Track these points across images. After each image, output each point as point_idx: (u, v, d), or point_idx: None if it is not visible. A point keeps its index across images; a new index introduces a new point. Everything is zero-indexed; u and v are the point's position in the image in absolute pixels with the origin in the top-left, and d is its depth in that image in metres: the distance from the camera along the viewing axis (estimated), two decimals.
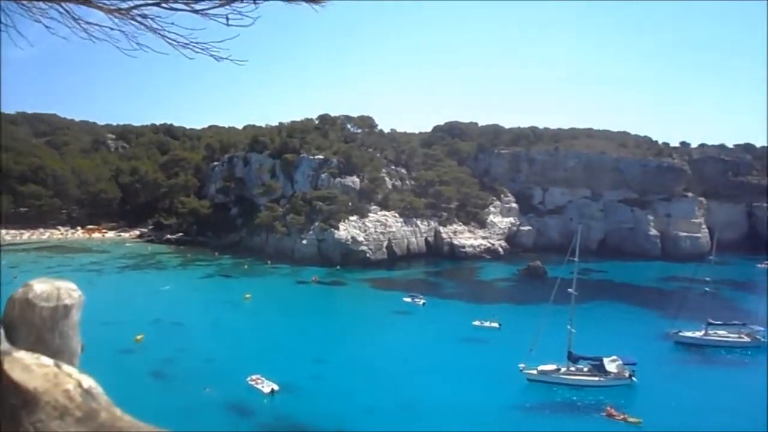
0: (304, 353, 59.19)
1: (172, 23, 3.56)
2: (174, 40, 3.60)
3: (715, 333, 69.82)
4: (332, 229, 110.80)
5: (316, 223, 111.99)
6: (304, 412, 45.66)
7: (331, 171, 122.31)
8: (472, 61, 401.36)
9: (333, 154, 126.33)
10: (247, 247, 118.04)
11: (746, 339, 68.76)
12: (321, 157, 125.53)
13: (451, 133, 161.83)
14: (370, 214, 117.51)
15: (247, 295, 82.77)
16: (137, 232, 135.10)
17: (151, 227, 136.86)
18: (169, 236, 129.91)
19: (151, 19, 3.55)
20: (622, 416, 44.90)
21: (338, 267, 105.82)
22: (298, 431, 43.64)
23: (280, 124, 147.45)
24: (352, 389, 50.33)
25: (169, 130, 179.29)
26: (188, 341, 61.52)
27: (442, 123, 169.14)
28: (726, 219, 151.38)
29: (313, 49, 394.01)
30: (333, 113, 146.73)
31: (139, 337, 61.28)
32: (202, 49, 3.76)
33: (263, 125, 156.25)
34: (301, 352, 59.52)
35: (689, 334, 69.39)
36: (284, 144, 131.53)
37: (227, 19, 3.41)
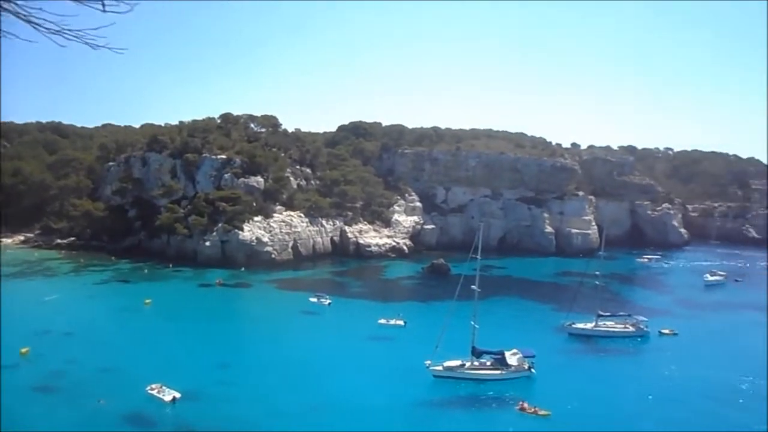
0: (209, 358, 57.39)
1: (41, 8, 3.20)
2: (43, 26, 3.24)
3: (605, 324, 74.16)
4: (236, 230, 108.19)
5: (220, 225, 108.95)
6: (208, 418, 44.23)
7: (235, 171, 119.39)
8: (376, 62, 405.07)
9: (236, 154, 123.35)
10: (146, 251, 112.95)
11: (631, 329, 73.48)
12: (224, 156, 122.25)
13: (355, 132, 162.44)
14: (275, 215, 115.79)
15: (147, 301, 79.18)
16: (21, 238, 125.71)
17: (38, 232, 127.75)
18: (59, 241, 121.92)
19: (16, 3, 3.17)
20: (533, 410, 46.65)
21: (243, 269, 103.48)
22: None
23: (181, 123, 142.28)
24: (260, 393, 49.36)
25: (57, 129, 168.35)
26: (81, 352, 57.99)
27: (346, 123, 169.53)
28: (612, 216, 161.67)
29: (215, 48, 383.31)
30: (236, 112, 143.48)
31: (24, 350, 57.02)
32: (75, 36, 3.41)
33: (162, 124, 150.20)
34: (205, 358, 57.66)
35: (581, 325, 73.34)
36: (185, 143, 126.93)
37: (103, 4, 3.11)
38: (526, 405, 46.92)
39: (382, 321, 73.86)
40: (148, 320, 71.71)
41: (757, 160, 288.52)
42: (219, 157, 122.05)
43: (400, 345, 65.42)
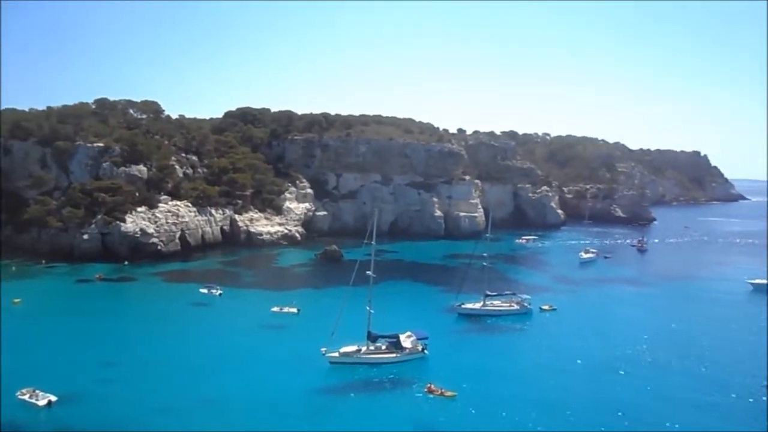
0: (90, 357, 54.24)
1: None
2: None
3: (492, 303, 77.81)
4: (118, 222, 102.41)
5: (99, 216, 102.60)
6: (89, 420, 41.87)
7: (114, 160, 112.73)
8: (263, 48, 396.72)
9: (115, 142, 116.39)
10: (14, 247, 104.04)
11: (516, 307, 77.59)
12: (101, 144, 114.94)
13: (243, 119, 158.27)
14: (161, 205, 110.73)
15: (16, 300, 73.24)
16: None
17: None
18: None
19: None
20: (440, 391, 47.96)
21: (126, 262, 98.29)
22: None
23: (49, 108, 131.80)
24: (147, 389, 47.44)
25: None
26: None
27: (233, 109, 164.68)
28: (497, 199, 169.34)
29: (88, 28, 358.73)
30: (112, 97, 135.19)
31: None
32: None
33: (27, 109, 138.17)
34: (85, 357, 54.41)
35: (470, 305, 76.52)
36: (54, 130, 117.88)
37: None
38: (433, 387, 48.24)
39: (275, 309, 73.20)
40: (18, 321, 66.10)
41: (622, 145, 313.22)
42: (95, 145, 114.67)
43: (294, 333, 65.24)
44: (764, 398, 48.96)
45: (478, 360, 57.74)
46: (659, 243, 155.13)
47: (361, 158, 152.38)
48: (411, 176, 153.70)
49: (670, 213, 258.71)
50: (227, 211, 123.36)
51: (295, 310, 73.29)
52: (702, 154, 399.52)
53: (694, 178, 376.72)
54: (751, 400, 49.23)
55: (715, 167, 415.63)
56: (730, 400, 49.40)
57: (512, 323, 73.14)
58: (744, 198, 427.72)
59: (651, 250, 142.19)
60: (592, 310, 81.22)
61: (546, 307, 78.89)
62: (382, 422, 43.30)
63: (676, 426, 43.57)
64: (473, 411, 44.50)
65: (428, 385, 48.56)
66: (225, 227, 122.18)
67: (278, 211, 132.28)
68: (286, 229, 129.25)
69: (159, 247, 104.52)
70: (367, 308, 57.42)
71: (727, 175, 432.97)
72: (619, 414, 45.06)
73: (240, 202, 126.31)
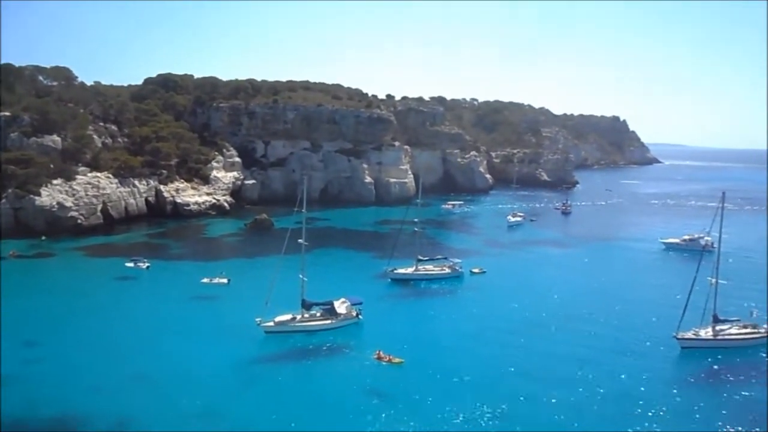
0: (10, 338, 51.37)
1: None
2: None
3: (424, 268, 78.84)
4: (32, 196, 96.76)
5: (10, 190, 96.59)
6: (15, 403, 39.80)
7: (24, 130, 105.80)
8: (184, 11, 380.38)
9: (23, 111, 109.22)
10: None
11: (448, 270, 78.92)
12: (7, 114, 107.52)
13: (164, 86, 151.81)
14: (79, 176, 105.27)
15: None
16: None
17: None
18: None
19: None
20: (388, 358, 48.07)
21: (44, 237, 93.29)
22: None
23: None
24: (75, 368, 45.49)
25: None
26: None
27: (153, 75, 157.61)
28: (427, 165, 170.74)
29: None
30: (18, 63, 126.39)
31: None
32: None
33: None
34: (5, 338, 51.46)
35: (402, 270, 77.29)
36: None
37: None
38: (382, 353, 48.37)
39: (205, 280, 71.67)
40: None
41: (547, 110, 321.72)
42: (1, 114, 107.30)
43: (226, 303, 64.14)
44: (676, 347, 52.14)
45: (414, 324, 58.67)
46: (582, 206, 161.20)
47: (289, 125, 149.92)
48: (340, 143, 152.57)
49: (592, 176, 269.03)
50: (151, 181, 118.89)
51: (225, 280, 71.98)
52: (621, 119, 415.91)
53: (613, 142, 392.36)
54: (662, 348, 52.42)
55: (633, 132, 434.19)
56: (644, 347, 52.42)
57: (444, 287, 74.52)
58: (658, 161, 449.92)
59: (575, 212, 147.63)
60: (520, 272, 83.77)
61: (476, 270, 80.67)
62: (333, 389, 43.29)
63: (603, 368, 45.96)
64: (421, 376, 44.91)
65: (377, 351, 48.76)
66: (150, 198, 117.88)
67: (205, 180, 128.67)
68: (214, 198, 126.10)
69: (79, 221, 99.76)
70: (300, 276, 56.98)
71: (643, 139, 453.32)
72: (555, 372, 46.75)
73: (165, 172, 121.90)
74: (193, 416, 38.53)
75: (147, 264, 78.39)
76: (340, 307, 57.64)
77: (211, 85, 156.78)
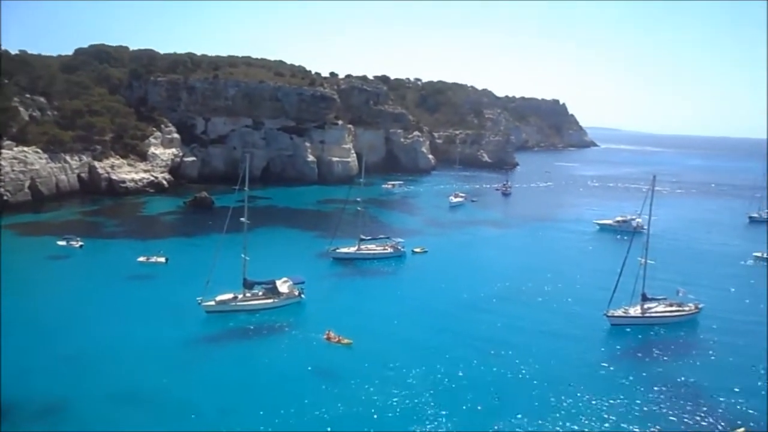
0: None
1: None
2: None
3: (366, 247, 79.18)
4: None
5: None
6: None
7: None
8: None
9: None
10: None
11: (390, 250, 79.49)
12: None
13: (97, 57, 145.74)
14: (4, 151, 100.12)
15: None
16: None
17: None
18: None
19: None
20: (337, 338, 47.97)
21: None
22: None
23: None
24: (3, 351, 43.60)
25: None
26: None
27: (85, 46, 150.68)
28: (369, 144, 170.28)
29: None
30: None
31: None
32: None
33: None
34: None
35: (345, 250, 77.45)
36: None
37: None
38: (332, 334, 48.26)
39: (142, 259, 69.86)
40: None
41: (489, 92, 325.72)
42: None
43: (164, 283, 62.77)
44: (607, 324, 54.42)
45: (357, 304, 58.86)
46: (522, 187, 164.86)
47: (230, 101, 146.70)
48: (283, 120, 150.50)
49: (532, 158, 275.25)
50: (84, 157, 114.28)
51: (163, 259, 70.35)
52: (561, 102, 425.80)
53: (553, 125, 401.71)
54: (593, 325, 54.57)
55: (572, 115, 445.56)
56: (577, 324, 54.48)
57: (386, 266, 75.09)
58: (595, 145, 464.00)
59: (514, 193, 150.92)
60: (460, 252, 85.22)
61: (418, 250, 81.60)
62: (280, 369, 43.03)
63: (538, 344, 47.56)
64: (369, 357, 45.06)
65: (327, 332, 48.71)
66: (83, 175, 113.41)
67: (143, 157, 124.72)
68: (152, 176, 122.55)
69: (5, 198, 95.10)
70: (242, 255, 56.29)
71: (581, 123, 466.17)
72: (492, 352, 47.95)
73: (99, 147, 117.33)
74: (131, 398, 37.78)
75: (80, 242, 75.72)
76: (282, 286, 57.37)
77: (147, 57, 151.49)
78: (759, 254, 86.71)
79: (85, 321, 50.69)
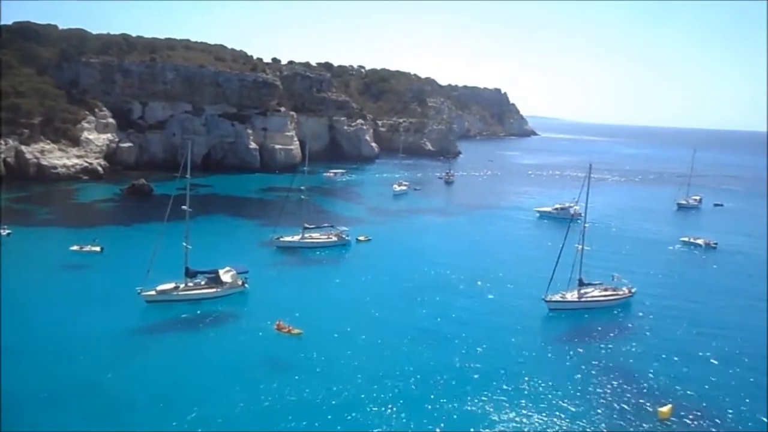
0: None
1: None
2: None
3: (310, 236, 78.70)
4: None
5: None
6: None
7: None
8: None
9: None
10: None
11: (334, 238, 79.27)
12: None
13: (23, 35, 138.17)
14: None
15: None
16: None
17: None
18: None
19: None
20: (287, 329, 47.29)
21: None
22: None
23: None
24: None
25: None
26: None
27: (9, 23, 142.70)
28: (313, 131, 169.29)
29: None
30: None
31: None
32: None
33: None
34: None
35: (288, 238, 76.77)
36: None
37: None
38: (282, 324, 47.63)
39: (75, 248, 67.35)
40: None
41: (433, 80, 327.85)
42: None
43: (100, 272, 60.75)
44: (545, 309, 56.00)
45: (302, 292, 58.43)
46: (465, 175, 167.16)
47: (169, 86, 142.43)
48: (224, 106, 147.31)
49: (475, 146, 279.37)
50: (11, 141, 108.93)
51: (98, 248, 67.95)
52: (503, 91, 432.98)
53: (495, 114, 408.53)
54: (532, 310, 56.07)
55: (513, 104, 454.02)
56: (516, 309, 55.87)
57: (331, 255, 74.90)
58: (535, 134, 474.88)
59: (457, 182, 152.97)
60: (404, 240, 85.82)
61: (362, 238, 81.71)
62: (227, 359, 42.28)
63: (479, 329, 48.42)
64: (320, 347, 44.70)
65: (277, 321, 48.05)
66: (9, 159, 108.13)
67: (75, 142, 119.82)
68: (86, 162, 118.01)
69: None
70: (184, 244, 54.96)
71: (522, 112, 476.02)
72: (436, 339, 48.55)
73: (26, 131, 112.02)
74: (69, 393, 36.36)
75: (8, 231, 72.33)
76: (225, 275, 56.40)
77: (78, 37, 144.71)
78: (686, 239, 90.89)
79: (14, 314, 48.32)
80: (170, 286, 53.63)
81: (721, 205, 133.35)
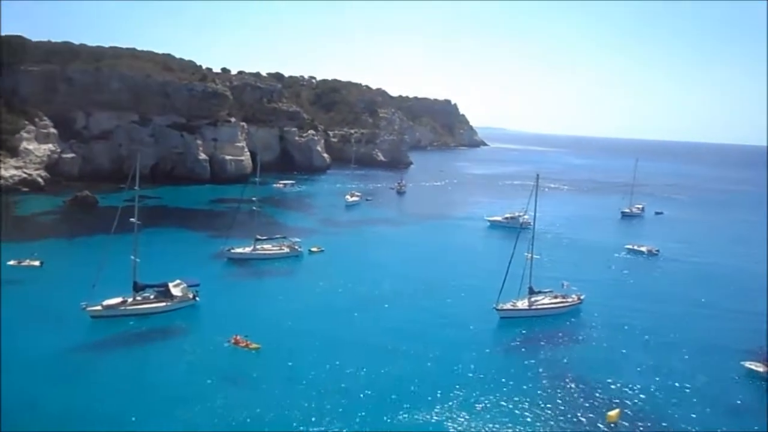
0: None
1: None
2: None
3: (262, 247, 77.86)
4: None
5: None
6: None
7: None
8: None
9: None
10: None
11: (287, 250, 78.65)
12: None
13: None
14: None
15: None
16: None
17: None
18: None
19: None
20: (245, 343, 46.34)
21: None
22: None
23: None
24: None
25: None
26: None
27: None
28: (264, 142, 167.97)
29: None
30: None
31: None
32: None
33: None
34: None
35: (240, 250, 75.80)
36: None
37: None
38: (239, 338, 46.67)
39: (12, 263, 64.64)
40: None
41: (384, 91, 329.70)
42: None
43: (41, 288, 58.35)
44: (496, 317, 56.79)
45: (254, 305, 57.68)
46: (416, 186, 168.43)
47: (114, 95, 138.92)
48: (173, 117, 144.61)
49: (426, 157, 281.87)
50: None
51: (37, 263, 65.38)
52: (453, 102, 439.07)
53: (445, 125, 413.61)
54: (483, 318, 56.71)
55: (463, 115, 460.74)
56: (468, 318, 56.43)
57: (283, 266, 74.21)
58: (485, 144, 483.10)
59: (409, 192, 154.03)
60: (357, 250, 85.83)
61: (315, 249, 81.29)
62: (183, 375, 41.42)
63: (431, 339, 48.76)
64: (278, 361, 44.19)
65: (234, 336, 47.03)
66: None
67: (13, 152, 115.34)
68: (25, 173, 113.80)
69: None
70: (132, 257, 53.54)
71: (472, 122, 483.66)
72: (390, 348, 48.56)
73: None
74: (14, 412, 34.79)
75: None
76: (176, 288, 55.20)
77: (17, 44, 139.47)
78: (630, 246, 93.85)
79: None
80: (117, 300, 52.09)
81: (662, 213, 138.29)
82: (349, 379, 41.97)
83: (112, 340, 47.05)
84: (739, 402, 42.27)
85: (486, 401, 39.80)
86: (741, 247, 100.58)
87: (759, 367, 46.81)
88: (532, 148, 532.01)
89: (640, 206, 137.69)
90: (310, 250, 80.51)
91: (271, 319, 53.39)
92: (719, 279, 77.86)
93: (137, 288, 53.46)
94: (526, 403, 39.87)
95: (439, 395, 40.20)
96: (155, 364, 43.28)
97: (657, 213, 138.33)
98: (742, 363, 47.88)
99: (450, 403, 39.14)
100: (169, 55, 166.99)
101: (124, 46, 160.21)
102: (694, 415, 39.56)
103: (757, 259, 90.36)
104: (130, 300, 52.85)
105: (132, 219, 53.91)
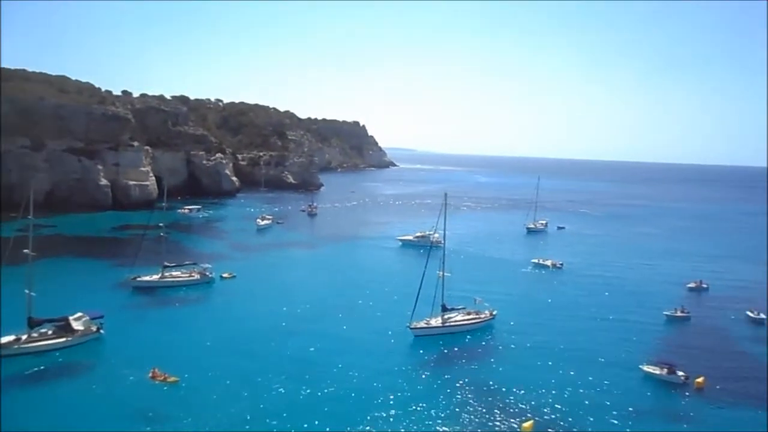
0: None
1: None
2: None
3: (171, 274, 75.09)
4: None
5: None
6: None
7: None
8: None
9: None
10: None
11: (197, 277, 76.19)
12: None
13: None
14: None
15: None
16: None
17: None
18: None
19: None
20: (163, 377, 44.13)
21: None
22: None
23: None
24: None
25: None
26: None
27: None
28: (170, 166, 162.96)
29: None
30: None
31: None
32: None
33: None
34: None
35: (146, 278, 72.78)
36: None
37: None
38: (157, 372, 44.41)
39: None
40: None
41: (292, 113, 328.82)
42: None
43: None
44: (410, 336, 57.50)
45: (164, 336, 55.21)
46: (327, 207, 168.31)
47: (3, 119, 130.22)
48: (69, 141, 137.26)
49: (336, 179, 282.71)
50: None
51: None
52: (361, 124, 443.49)
53: (354, 146, 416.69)
54: (397, 338, 57.36)
55: (372, 136, 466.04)
56: (381, 338, 56.92)
57: (193, 293, 71.79)
58: (394, 164, 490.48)
59: (320, 214, 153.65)
60: (270, 275, 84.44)
61: (226, 275, 79.34)
62: (94, 414, 38.86)
63: (345, 361, 48.57)
64: (197, 394, 42.42)
65: (152, 369, 44.74)
66: None
67: None
68: None
69: None
70: (27, 291, 50.07)
71: (381, 144, 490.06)
72: (305, 373, 48.03)
73: None
74: None
75: None
76: (77, 322, 52.10)
77: None
78: (536, 260, 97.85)
79: None
80: (10, 339, 48.43)
81: (564, 228, 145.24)
82: (266, 407, 41.00)
83: (6, 382, 43.52)
84: (641, 404, 44.81)
85: (401, 419, 40.09)
86: (639, 259, 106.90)
87: (656, 371, 50.10)
88: (441, 167, 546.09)
89: (544, 222, 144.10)
90: (221, 276, 78.49)
91: (184, 350, 51.36)
92: (619, 290, 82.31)
93: (33, 324, 49.99)
94: (441, 419, 40.49)
95: (355, 417, 40.09)
96: (59, 405, 40.31)
97: (559, 228, 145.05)
98: (641, 367, 51.01)
99: (365, 426, 39.11)
100: (63, 77, 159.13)
101: (13, 68, 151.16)
102: (602, 421, 41.53)
103: (655, 270, 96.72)
104: (24, 337, 49.29)
105: (26, 250, 50.58)
